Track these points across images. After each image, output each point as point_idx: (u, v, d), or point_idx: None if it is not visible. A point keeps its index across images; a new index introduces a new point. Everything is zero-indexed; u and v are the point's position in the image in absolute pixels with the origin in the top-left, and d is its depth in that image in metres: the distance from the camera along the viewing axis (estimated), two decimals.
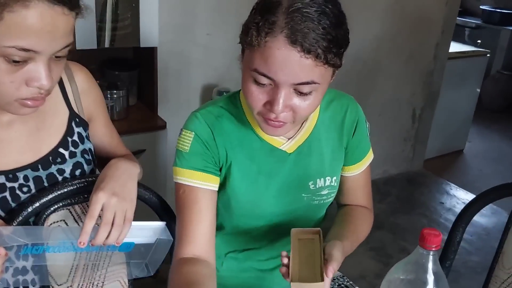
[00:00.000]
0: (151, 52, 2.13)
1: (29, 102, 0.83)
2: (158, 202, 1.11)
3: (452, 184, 3.44)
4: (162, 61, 2.23)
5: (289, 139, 1.05)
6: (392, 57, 3.05)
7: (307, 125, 1.06)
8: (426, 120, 3.44)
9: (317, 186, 1.09)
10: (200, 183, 1.01)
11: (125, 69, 2.23)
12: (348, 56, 0.92)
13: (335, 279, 1.24)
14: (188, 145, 1.01)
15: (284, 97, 0.88)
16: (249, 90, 0.90)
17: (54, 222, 0.96)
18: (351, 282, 1.23)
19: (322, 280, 0.87)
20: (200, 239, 1.00)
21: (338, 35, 0.85)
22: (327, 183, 1.09)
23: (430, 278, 0.82)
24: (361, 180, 1.17)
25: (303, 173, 1.07)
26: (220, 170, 1.05)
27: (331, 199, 1.13)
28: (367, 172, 1.18)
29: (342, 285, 1.23)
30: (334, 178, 1.10)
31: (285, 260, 0.92)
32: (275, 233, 1.14)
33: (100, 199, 0.87)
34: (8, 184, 0.92)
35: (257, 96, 0.90)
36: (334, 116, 1.10)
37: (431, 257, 0.82)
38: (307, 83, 0.86)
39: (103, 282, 1.04)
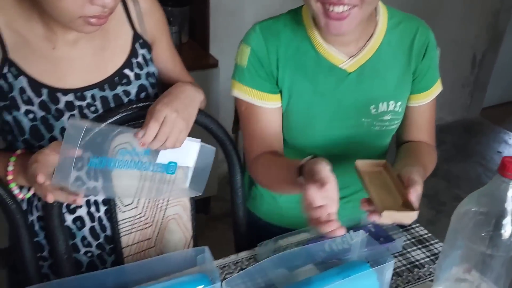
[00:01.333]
0: None
1: (92, 20, 0.83)
2: (220, 129, 1.09)
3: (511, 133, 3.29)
4: None
5: (350, 57, 1.00)
6: None
7: (371, 43, 1.01)
8: (488, 66, 3.25)
9: (379, 111, 1.03)
10: (260, 102, 1.01)
11: (177, 5, 2.19)
12: None
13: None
14: (246, 60, 1.00)
15: None
16: None
17: (119, 144, 0.97)
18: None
19: (415, 209, 0.82)
20: (268, 141, 1.03)
21: None
22: (391, 107, 1.04)
23: (510, 208, 0.78)
24: (427, 113, 1.11)
25: (364, 95, 1.02)
26: (278, 85, 1.02)
27: (394, 127, 1.08)
28: (433, 106, 1.11)
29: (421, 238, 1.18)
30: (399, 103, 1.05)
31: (366, 207, 0.86)
32: (334, 162, 1.10)
33: (163, 110, 0.86)
34: (77, 103, 0.93)
35: None
36: (402, 38, 1.04)
37: (511, 186, 0.77)
38: None
39: (166, 205, 1.06)
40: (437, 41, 1.08)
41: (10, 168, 0.88)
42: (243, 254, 1.05)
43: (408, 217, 0.83)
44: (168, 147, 0.88)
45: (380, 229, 1.11)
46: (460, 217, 0.83)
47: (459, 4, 2.90)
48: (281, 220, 1.20)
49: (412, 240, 1.12)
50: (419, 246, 1.09)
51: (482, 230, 0.79)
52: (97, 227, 1.01)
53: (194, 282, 0.88)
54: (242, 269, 1.01)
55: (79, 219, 0.99)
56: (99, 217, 1.00)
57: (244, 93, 1.02)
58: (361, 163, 0.94)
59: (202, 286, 0.87)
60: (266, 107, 1.02)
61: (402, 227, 1.14)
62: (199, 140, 0.94)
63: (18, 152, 0.90)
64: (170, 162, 0.93)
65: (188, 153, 0.93)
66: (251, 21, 2.44)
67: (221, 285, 0.83)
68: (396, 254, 1.06)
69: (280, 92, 1.03)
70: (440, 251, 0.94)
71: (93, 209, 0.99)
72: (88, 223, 1.00)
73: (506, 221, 0.78)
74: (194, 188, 0.96)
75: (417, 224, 1.17)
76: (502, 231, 0.78)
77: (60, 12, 0.82)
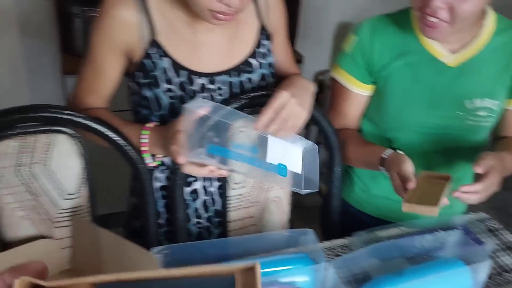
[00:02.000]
0: None
1: (219, 15, 0.90)
2: (326, 122, 1.15)
3: None
4: None
5: (452, 53, 1.08)
6: None
7: (475, 43, 1.08)
8: None
9: (475, 106, 1.09)
10: (350, 86, 1.16)
11: None
12: None
13: (484, 220, 1.24)
14: (351, 48, 1.14)
15: None
16: None
17: (238, 127, 1.05)
18: (501, 226, 1.22)
19: (436, 204, 0.92)
20: (348, 124, 1.21)
21: None
22: (486, 104, 1.10)
23: None
24: None
25: (460, 89, 1.09)
26: (374, 76, 1.14)
27: (488, 124, 1.13)
28: None
29: (491, 227, 1.22)
30: (496, 102, 1.10)
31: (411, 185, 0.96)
32: (428, 151, 1.16)
33: (284, 96, 0.91)
34: (208, 86, 1.02)
35: None
36: (507, 42, 1.10)
37: None
38: None
39: (269, 187, 1.14)
40: None
41: (144, 140, 0.97)
42: (337, 242, 1.11)
43: (428, 211, 0.93)
44: (287, 131, 0.92)
45: (470, 231, 1.14)
46: None
47: None
48: (371, 210, 1.26)
49: (501, 245, 1.14)
50: (508, 252, 1.12)
51: None
52: (209, 201, 1.10)
53: (299, 260, 0.95)
54: (337, 255, 1.07)
55: (195, 191, 1.08)
56: (212, 191, 1.10)
57: (339, 75, 1.17)
58: (425, 173, 1.04)
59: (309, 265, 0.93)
60: (355, 91, 1.16)
61: (491, 231, 1.18)
62: (304, 142, 0.94)
63: (151, 125, 0.98)
64: (280, 164, 0.93)
65: (294, 156, 0.94)
66: (337, 19, 2.50)
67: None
68: None
69: (375, 82, 1.14)
70: None
71: (207, 183, 1.09)
72: (202, 196, 1.09)
73: None
74: (308, 188, 0.97)
75: (506, 231, 1.19)
76: None
77: (193, 1, 0.90)
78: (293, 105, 0.92)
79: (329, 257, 1.05)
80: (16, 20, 2.00)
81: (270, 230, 1.18)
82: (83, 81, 1.04)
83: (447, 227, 1.10)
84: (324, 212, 1.31)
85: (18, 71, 2.09)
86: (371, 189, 1.25)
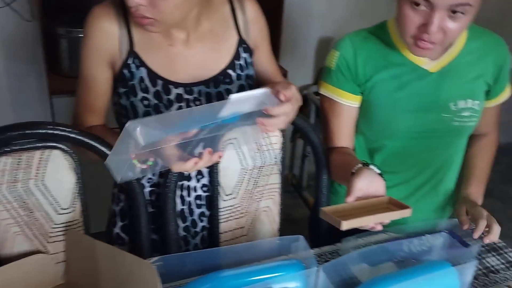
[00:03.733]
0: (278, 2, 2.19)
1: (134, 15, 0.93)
2: (311, 131, 1.20)
3: None
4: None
5: (432, 60, 1.13)
6: None
7: (451, 50, 1.14)
8: None
9: (458, 107, 1.15)
10: (341, 99, 1.17)
11: None
12: None
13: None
14: (334, 63, 1.16)
15: (439, 19, 0.98)
16: (405, 14, 1.01)
17: (228, 139, 1.08)
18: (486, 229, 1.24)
19: (346, 219, 0.89)
20: (343, 143, 1.20)
21: None
22: (469, 105, 1.16)
23: None
24: (492, 111, 1.25)
25: (444, 93, 1.15)
26: (361, 87, 1.16)
27: (473, 124, 1.19)
28: (499, 105, 1.26)
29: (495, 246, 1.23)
30: (477, 102, 1.17)
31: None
32: (416, 154, 1.21)
33: (294, 89, 0.92)
34: (185, 96, 1.05)
35: (412, 19, 1.00)
36: (480, 49, 1.17)
37: None
38: (462, 4, 0.96)
39: (260, 198, 1.17)
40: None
41: None
42: (326, 248, 1.13)
43: (335, 222, 0.91)
44: (283, 124, 0.91)
45: (456, 234, 1.17)
46: None
47: None
48: None
49: (486, 247, 1.18)
50: (494, 254, 1.15)
51: None
52: (197, 218, 1.13)
53: (291, 266, 0.96)
54: (326, 261, 1.09)
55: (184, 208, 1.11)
56: (201, 204, 1.13)
57: (328, 91, 1.18)
58: (389, 198, 1.00)
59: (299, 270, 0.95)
60: (346, 104, 1.17)
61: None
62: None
63: None
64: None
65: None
66: (318, 35, 2.56)
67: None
68: None
69: (362, 93, 1.17)
70: None
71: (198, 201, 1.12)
72: (189, 217, 1.12)
73: None
74: None
75: None
76: None
77: None
78: (295, 103, 0.94)
79: (319, 263, 1.06)
80: (0, 42, 2.01)
81: (261, 239, 1.20)
82: (79, 99, 1.07)
83: (434, 231, 1.14)
84: (313, 221, 1.33)
85: (1, 93, 2.09)
86: None
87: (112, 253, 0.83)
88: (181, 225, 1.13)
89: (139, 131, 0.76)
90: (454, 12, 0.97)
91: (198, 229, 1.15)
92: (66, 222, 0.99)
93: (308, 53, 2.58)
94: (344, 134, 1.21)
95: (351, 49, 1.15)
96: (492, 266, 1.11)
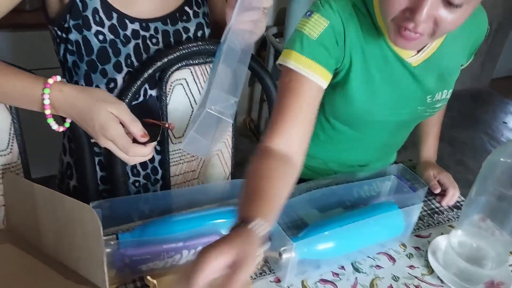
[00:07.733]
0: None
1: None
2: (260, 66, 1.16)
3: None
4: None
5: (418, 51, 0.99)
6: None
7: (435, 42, 0.99)
8: (501, 37, 3.29)
9: (434, 99, 1.07)
10: (316, 77, 0.91)
11: None
12: None
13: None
14: (318, 33, 0.92)
15: (430, 5, 0.77)
16: None
17: (176, 80, 1.03)
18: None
19: None
20: (293, 135, 0.89)
21: None
22: (444, 96, 1.08)
23: None
24: None
25: (424, 87, 1.04)
26: (338, 70, 0.99)
27: (438, 110, 1.13)
28: None
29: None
30: (450, 91, 1.09)
31: None
32: (383, 141, 1.17)
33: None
34: (141, 32, 0.99)
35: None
36: (464, 33, 1.03)
37: None
38: None
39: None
40: None
41: (46, 101, 0.80)
42: None
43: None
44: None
45: (404, 179, 1.19)
46: (489, 166, 0.90)
47: None
48: (308, 174, 1.25)
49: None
50: (438, 197, 1.19)
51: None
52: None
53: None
54: None
55: None
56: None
57: (300, 63, 0.91)
58: None
59: None
60: (315, 81, 0.92)
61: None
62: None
63: (50, 81, 0.80)
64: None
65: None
66: None
67: None
68: None
69: (344, 76, 0.99)
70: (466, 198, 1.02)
71: None
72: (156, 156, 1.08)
73: None
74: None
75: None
76: None
77: None
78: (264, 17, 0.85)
79: None
80: None
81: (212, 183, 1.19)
82: None
83: (383, 176, 1.15)
84: None
85: None
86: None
87: (52, 197, 0.79)
88: (142, 172, 1.10)
89: None
90: (450, 2, 0.78)
91: (159, 176, 1.12)
92: (3, 165, 0.93)
93: None
94: (298, 124, 0.90)
95: (341, 24, 0.93)
96: (437, 208, 1.15)
